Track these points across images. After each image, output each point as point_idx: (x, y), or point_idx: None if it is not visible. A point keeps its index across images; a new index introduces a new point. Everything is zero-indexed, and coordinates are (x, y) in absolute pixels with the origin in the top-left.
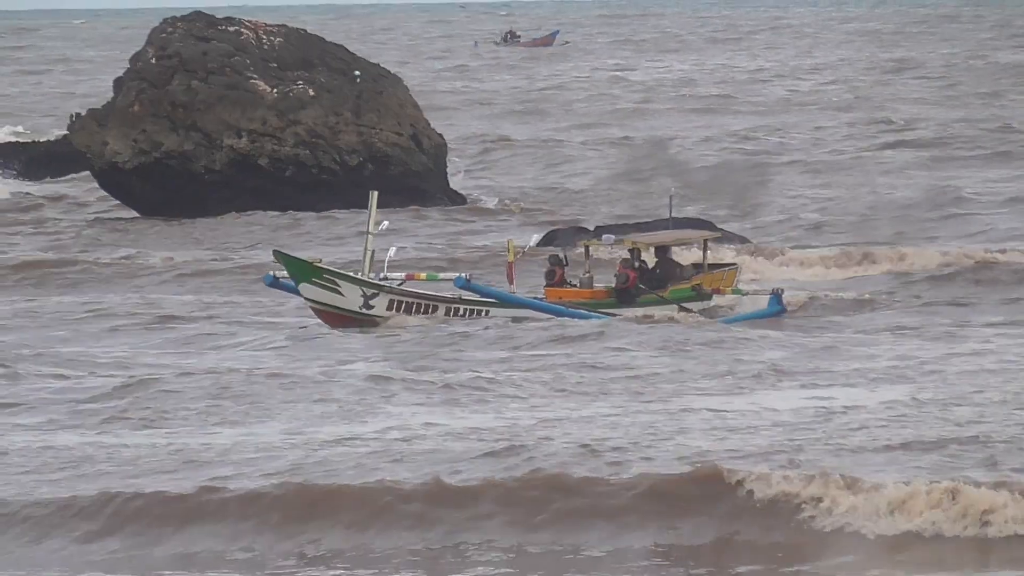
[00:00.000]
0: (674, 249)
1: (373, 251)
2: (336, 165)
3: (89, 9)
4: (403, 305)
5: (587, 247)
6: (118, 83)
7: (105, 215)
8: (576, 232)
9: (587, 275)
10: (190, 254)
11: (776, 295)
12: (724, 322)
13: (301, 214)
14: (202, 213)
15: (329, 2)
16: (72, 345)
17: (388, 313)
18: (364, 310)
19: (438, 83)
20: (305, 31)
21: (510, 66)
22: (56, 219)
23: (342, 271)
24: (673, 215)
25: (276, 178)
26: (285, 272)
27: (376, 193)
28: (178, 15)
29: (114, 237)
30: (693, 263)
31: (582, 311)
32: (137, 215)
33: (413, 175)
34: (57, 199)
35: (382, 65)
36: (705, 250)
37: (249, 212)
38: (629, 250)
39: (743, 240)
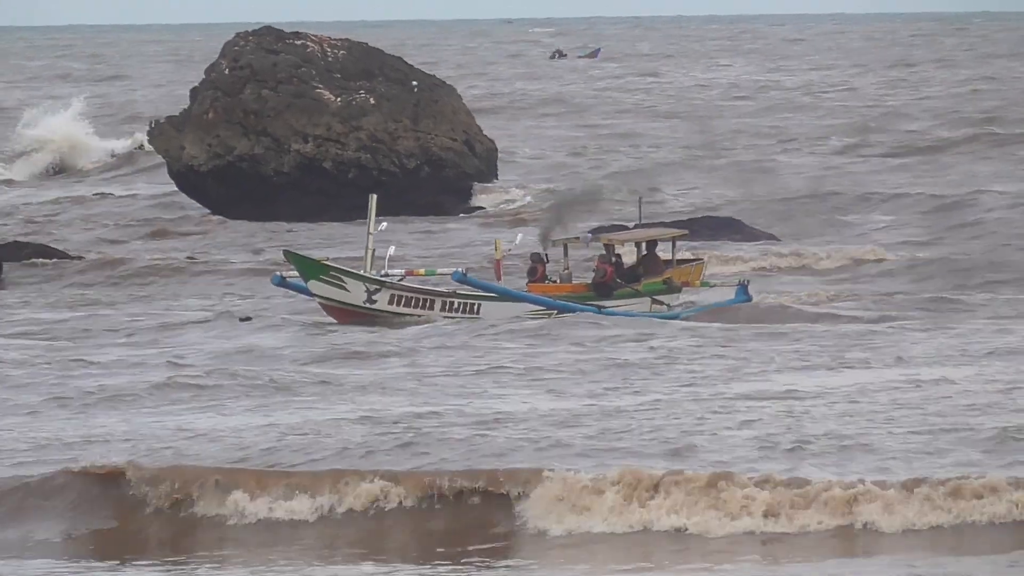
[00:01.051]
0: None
1: (374, 250)
2: (395, 168)
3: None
4: (403, 299)
5: (565, 245)
6: (194, 92)
7: None
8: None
9: (566, 271)
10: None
11: (743, 286)
12: (693, 311)
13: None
14: (272, 212)
15: (380, 18)
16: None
17: (389, 307)
18: (367, 304)
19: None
20: (367, 44)
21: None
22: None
23: (347, 268)
24: (642, 219)
25: (339, 180)
26: (292, 272)
27: (375, 196)
28: (235, 29)
29: None
30: (665, 259)
31: (573, 304)
32: None
33: (466, 177)
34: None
35: (437, 76)
36: (674, 247)
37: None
38: (604, 246)
39: (770, 238)
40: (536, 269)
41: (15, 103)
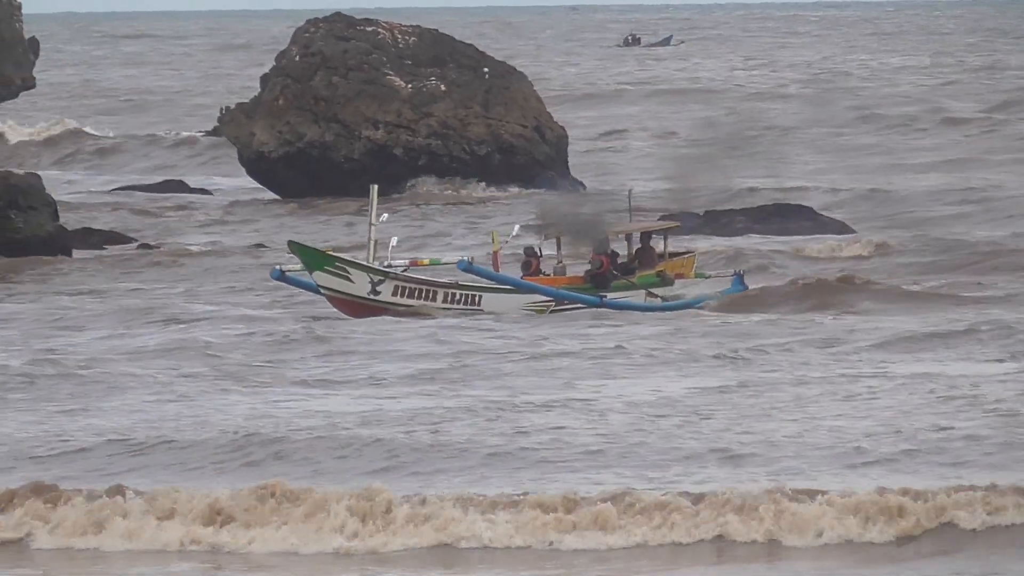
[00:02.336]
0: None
1: (376, 240)
2: (466, 154)
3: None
4: (406, 291)
5: (558, 238)
6: (264, 79)
7: None
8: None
9: (560, 264)
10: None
11: (738, 275)
12: (688, 304)
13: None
14: (341, 198)
15: (444, 5)
16: None
17: (393, 298)
18: (371, 296)
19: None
20: (437, 31)
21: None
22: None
23: (352, 259)
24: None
25: (410, 167)
26: (292, 266)
27: (376, 187)
28: (296, 15)
29: None
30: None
31: (577, 294)
32: None
33: (536, 164)
34: None
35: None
36: (666, 239)
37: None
38: (599, 239)
39: (843, 227)
40: (530, 263)
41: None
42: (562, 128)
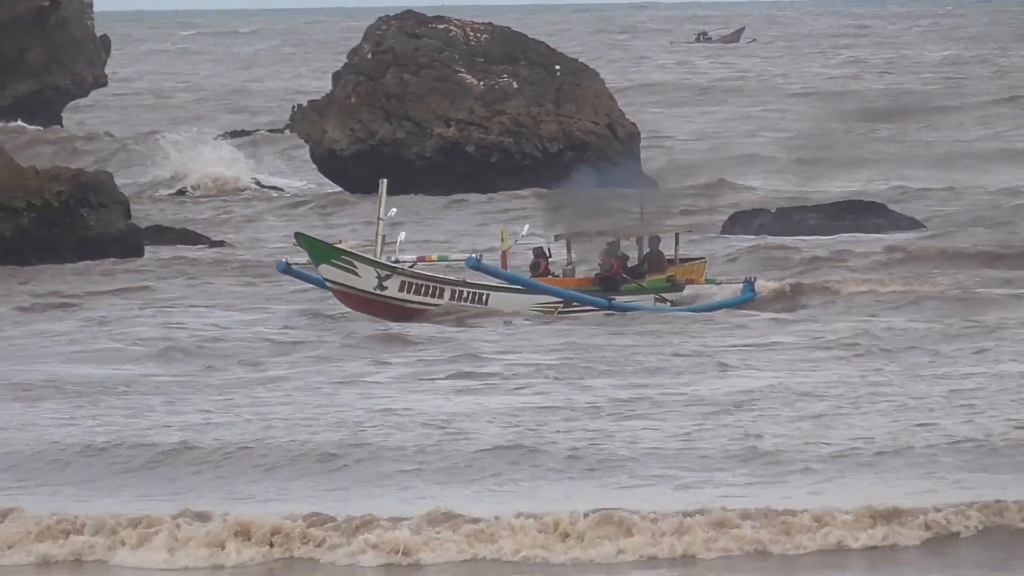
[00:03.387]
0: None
1: (384, 235)
2: (538, 152)
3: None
4: (413, 287)
5: (568, 240)
6: (336, 76)
7: None
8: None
9: (569, 266)
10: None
11: (748, 283)
12: (698, 309)
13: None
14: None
15: (514, 3)
16: None
17: (400, 294)
18: (378, 291)
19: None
20: (509, 28)
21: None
22: None
23: (359, 253)
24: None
25: (482, 164)
26: (299, 260)
27: (385, 181)
28: (369, 13)
29: None
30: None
31: (586, 296)
32: None
33: (608, 161)
34: None
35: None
36: (677, 242)
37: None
38: (609, 242)
39: (915, 224)
40: (539, 263)
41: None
42: (634, 125)
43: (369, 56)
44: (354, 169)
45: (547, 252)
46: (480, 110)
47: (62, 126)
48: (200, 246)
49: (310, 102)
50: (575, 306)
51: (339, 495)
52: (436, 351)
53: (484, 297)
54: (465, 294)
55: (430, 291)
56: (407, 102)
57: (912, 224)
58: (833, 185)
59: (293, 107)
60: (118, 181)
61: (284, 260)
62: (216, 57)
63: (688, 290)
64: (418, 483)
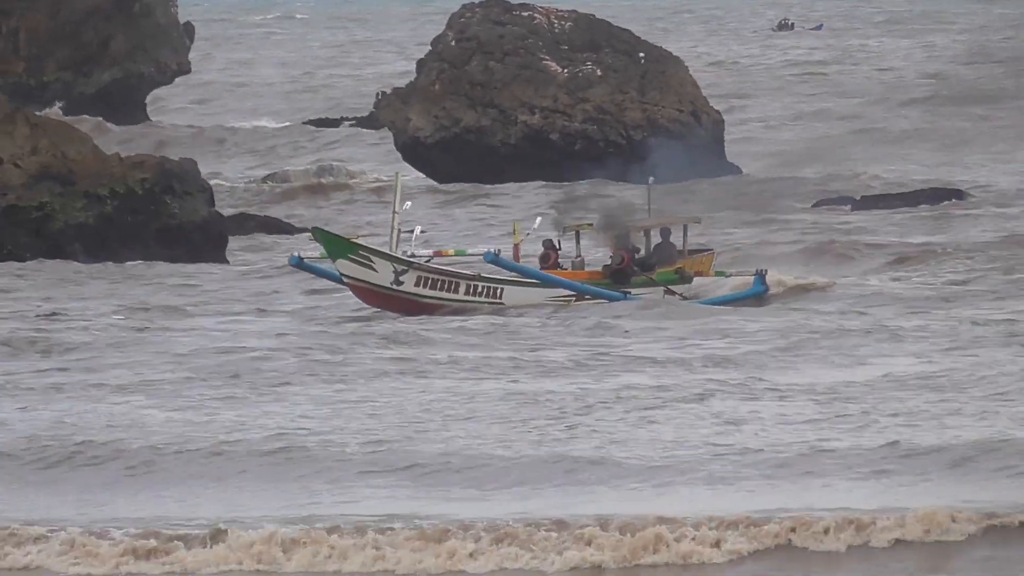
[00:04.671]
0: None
1: (399, 229)
2: (622, 139)
3: None
4: (428, 281)
5: (577, 232)
6: (420, 64)
7: None
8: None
9: (578, 259)
10: None
11: (760, 276)
12: (708, 302)
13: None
14: (494, 182)
15: None
16: None
17: (416, 289)
18: (394, 286)
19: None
20: (593, 16)
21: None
22: None
23: (376, 248)
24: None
25: (566, 152)
26: (312, 253)
27: (400, 173)
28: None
29: None
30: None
31: (602, 290)
32: None
33: (692, 149)
34: None
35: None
36: (685, 235)
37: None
38: (619, 234)
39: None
40: (548, 255)
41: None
42: (718, 112)
43: (453, 44)
44: (438, 157)
45: (557, 244)
46: (564, 97)
47: (150, 119)
48: (284, 235)
49: (394, 90)
50: (587, 297)
51: None
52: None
53: (499, 291)
54: (480, 288)
55: (445, 285)
56: (491, 90)
57: None
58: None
59: (377, 95)
60: (202, 169)
61: (296, 254)
62: (295, 43)
63: (696, 282)
64: None
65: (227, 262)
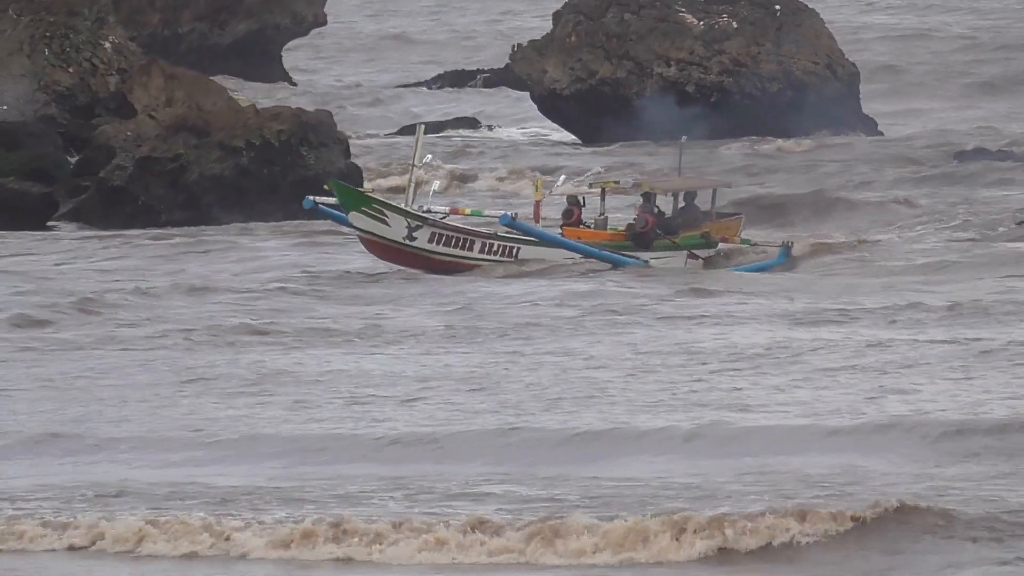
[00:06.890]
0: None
1: (417, 183)
2: (758, 92)
3: None
4: (443, 238)
5: (603, 189)
6: (556, 16)
7: None
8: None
9: (602, 216)
10: None
11: (785, 246)
12: (735, 270)
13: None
14: (631, 136)
15: None
16: None
17: (429, 245)
18: (407, 241)
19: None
20: None
21: None
22: None
23: (391, 202)
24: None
25: (702, 103)
26: (326, 200)
27: (423, 126)
28: None
29: None
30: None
31: (616, 255)
32: None
33: (828, 102)
34: None
35: None
36: (714, 198)
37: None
38: (644, 195)
39: None
40: (572, 212)
41: None
42: (853, 65)
43: None
44: (574, 108)
45: (581, 201)
46: (700, 50)
47: (291, 83)
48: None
49: (530, 42)
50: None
51: None
52: None
53: (515, 250)
54: (495, 247)
55: (460, 243)
56: (627, 42)
57: None
58: None
59: (512, 47)
60: (337, 120)
61: (310, 198)
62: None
63: (721, 248)
64: None
65: None
